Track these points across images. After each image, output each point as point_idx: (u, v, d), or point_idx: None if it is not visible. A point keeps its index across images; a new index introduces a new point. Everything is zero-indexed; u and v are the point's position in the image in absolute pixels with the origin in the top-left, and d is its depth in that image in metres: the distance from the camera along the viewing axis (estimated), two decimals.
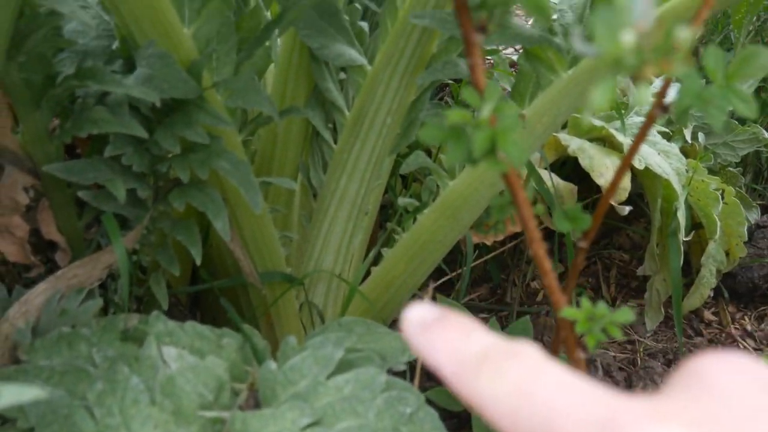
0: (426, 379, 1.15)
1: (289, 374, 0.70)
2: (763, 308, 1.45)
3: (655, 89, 0.78)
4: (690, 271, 1.42)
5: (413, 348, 0.31)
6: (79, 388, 0.67)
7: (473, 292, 1.39)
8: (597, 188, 1.30)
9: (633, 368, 1.26)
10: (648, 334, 1.35)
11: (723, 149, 1.54)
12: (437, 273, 1.30)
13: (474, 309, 1.34)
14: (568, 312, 0.42)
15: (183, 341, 0.73)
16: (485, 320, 1.29)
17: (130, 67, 0.79)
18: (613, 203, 1.24)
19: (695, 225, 1.37)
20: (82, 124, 0.75)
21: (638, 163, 1.21)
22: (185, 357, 0.70)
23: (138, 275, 0.90)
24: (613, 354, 1.30)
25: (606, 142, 1.37)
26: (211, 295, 1.03)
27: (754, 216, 1.49)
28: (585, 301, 0.43)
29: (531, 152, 1.07)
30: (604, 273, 1.50)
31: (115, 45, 0.83)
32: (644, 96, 0.29)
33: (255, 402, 0.70)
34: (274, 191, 0.95)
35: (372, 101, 0.89)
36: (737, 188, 1.45)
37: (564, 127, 1.39)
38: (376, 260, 1.06)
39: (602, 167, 1.23)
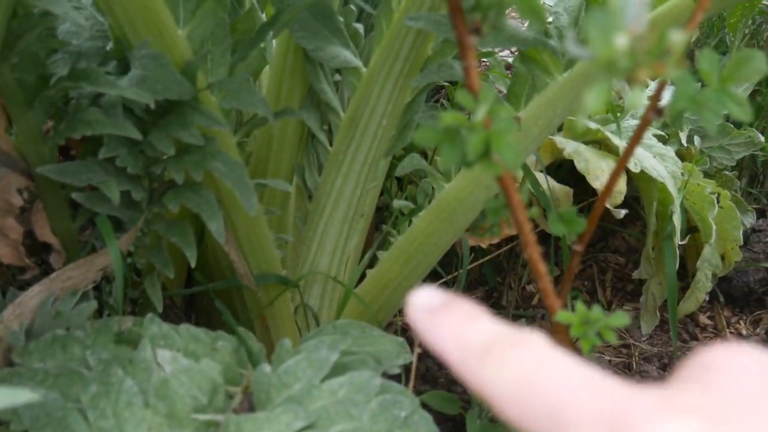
0: (421, 382, 1.15)
1: (283, 377, 0.69)
2: (758, 312, 1.45)
3: (651, 92, 0.78)
4: (685, 275, 1.42)
5: (418, 332, 0.30)
6: (73, 390, 0.67)
7: (469, 295, 1.39)
8: (592, 191, 1.30)
9: (628, 372, 1.26)
10: (643, 338, 1.35)
11: (719, 152, 1.55)
12: (433, 276, 1.30)
13: None
14: (562, 316, 0.42)
15: (177, 344, 0.73)
16: None
17: (124, 68, 0.78)
18: (608, 206, 1.24)
19: (691, 229, 1.37)
20: (75, 126, 0.75)
21: (634, 166, 1.21)
22: (179, 360, 0.69)
23: (132, 277, 0.89)
24: (608, 358, 1.30)
25: (601, 145, 1.38)
26: (205, 297, 1.03)
27: (750, 220, 1.49)
28: (580, 305, 0.42)
29: (526, 155, 1.06)
30: (599, 276, 1.50)
31: (109, 46, 0.82)
32: (638, 99, 0.29)
33: (249, 405, 0.70)
34: (269, 193, 0.95)
35: (367, 103, 0.89)
36: (733, 192, 1.46)
37: (560, 129, 1.39)
38: (372, 263, 1.06)
39: (598, 170, 1.24)
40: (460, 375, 0.28)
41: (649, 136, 1.34)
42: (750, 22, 1.67)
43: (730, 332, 1.41)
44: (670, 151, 1.33)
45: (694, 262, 1.36)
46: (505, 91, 1.31)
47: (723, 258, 1.38)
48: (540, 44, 0.88)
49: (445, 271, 1.32)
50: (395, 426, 0.68)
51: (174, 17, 0.74)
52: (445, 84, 1.49)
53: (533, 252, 0.41)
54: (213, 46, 0.77)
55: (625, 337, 1.35)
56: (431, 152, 1.23)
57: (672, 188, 1.24)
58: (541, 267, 0.42)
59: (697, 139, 1.50)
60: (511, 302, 1.36)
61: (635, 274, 1.38)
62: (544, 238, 1.31)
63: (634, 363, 1.29)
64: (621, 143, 1.29)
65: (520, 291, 1.42)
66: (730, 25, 1.66)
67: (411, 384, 0.85)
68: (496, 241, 1.34)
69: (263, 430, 0.65)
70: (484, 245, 1.33)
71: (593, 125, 1.34)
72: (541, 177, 1.20)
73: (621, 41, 0.27)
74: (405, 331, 1.26)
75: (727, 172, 1.55)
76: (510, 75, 1.44)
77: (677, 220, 1.24)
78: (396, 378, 0.90)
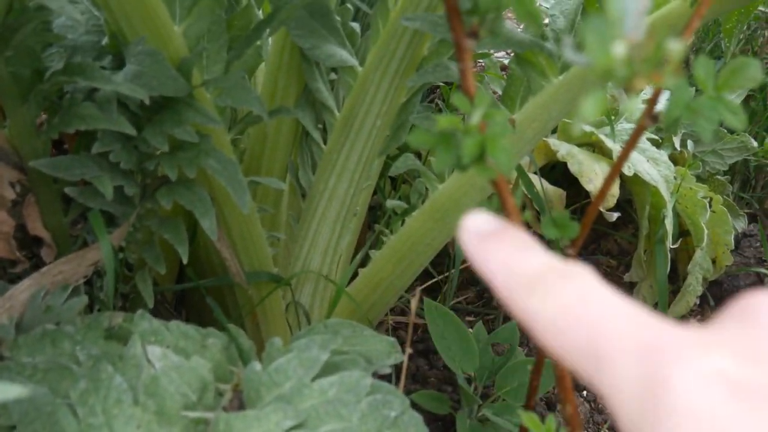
0: (411, 381, 1.15)
1: (273, 376, 0.69)
2: None
3: (645, 96, 0.78)
4: (676, 279, 1.42)
5: (468, 257, 0.31)
6: (62, 386, 0.66)
7: (460, 295, 1.39)
8: (585, 193, 1.30)
9: None
10: None
11: (711, 157, 1.55)
12: (425, 276, 1.30)
13: (461, 312, 1.34)
14: None
15: (168, 340, 0.73)
16: (471, 324, 1.29)
17: (119, 63, 0.78)
18: (601, 209, 1.25)
19: (682, 232, 1.37)
20: (69, 120, 0.74)
21: (627, 170, 1.21)
22: (170, 356, 0.69)
23: (124, 273, 0.89)
24: None
25: (595, 147, 1.38)
26: (197, 294, 1.03)
27: (741, 225, 1.50)
28: None
29: (521, 157, 1.07)
30: None
31: (105, 41, 0.82)
32: (633, 107, 0.29)
33: (239, 403, 0.70)
34: (262, 191, 0.95)
35: (362, 102, 0.89)
36: (725, 196, 1.46)
37: (554, 131, 1.39)
38: (364, 262, 1.06)
39: (591, 173, 1.24)
40: (505, 303, 0.29)
41: (642, 140, 1.35)
42: (745, 27, 1.67)
43: None
44: (663, 155, 1.33)
45: (685, 265, 1.36)
46: (500, 92, 1.31)
47: (714, 262, 1.38)
48: (536, 47, 0.88)
49: (437, 271, 1.32)
50: (385, 426, 0.68)
51: (170, 13, 0.73)
52: (440, 84, 1.49)
53: None
54: (209, 43, 0.77)
55: None
56: (425, 152, 1.23)
57: (664, 192, 1.25)
58: None
59: (690, 144, 1.50)
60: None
61: (627, 277, 1.39)
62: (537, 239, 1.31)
63: None
64: (615, 146, 1.29)
65: None
66: (726, 31, 1.67)
67: (401, 384, 0.85)
68: None
69: (253, 429, 0.65)
70: None
71: (587, 128, 1.34)
72: (534, 179, 1.20)
73: (619, 50, 0.27)
74: (396, 331, 1.26)
75: (719, 177, 1.56)
76: (505, 76, 1.44)
77: (669, 223, 1.24)
78: (386, 378, 0.91)
